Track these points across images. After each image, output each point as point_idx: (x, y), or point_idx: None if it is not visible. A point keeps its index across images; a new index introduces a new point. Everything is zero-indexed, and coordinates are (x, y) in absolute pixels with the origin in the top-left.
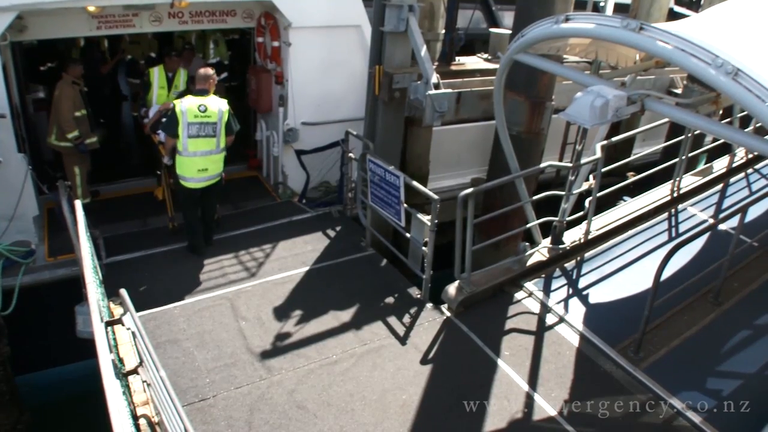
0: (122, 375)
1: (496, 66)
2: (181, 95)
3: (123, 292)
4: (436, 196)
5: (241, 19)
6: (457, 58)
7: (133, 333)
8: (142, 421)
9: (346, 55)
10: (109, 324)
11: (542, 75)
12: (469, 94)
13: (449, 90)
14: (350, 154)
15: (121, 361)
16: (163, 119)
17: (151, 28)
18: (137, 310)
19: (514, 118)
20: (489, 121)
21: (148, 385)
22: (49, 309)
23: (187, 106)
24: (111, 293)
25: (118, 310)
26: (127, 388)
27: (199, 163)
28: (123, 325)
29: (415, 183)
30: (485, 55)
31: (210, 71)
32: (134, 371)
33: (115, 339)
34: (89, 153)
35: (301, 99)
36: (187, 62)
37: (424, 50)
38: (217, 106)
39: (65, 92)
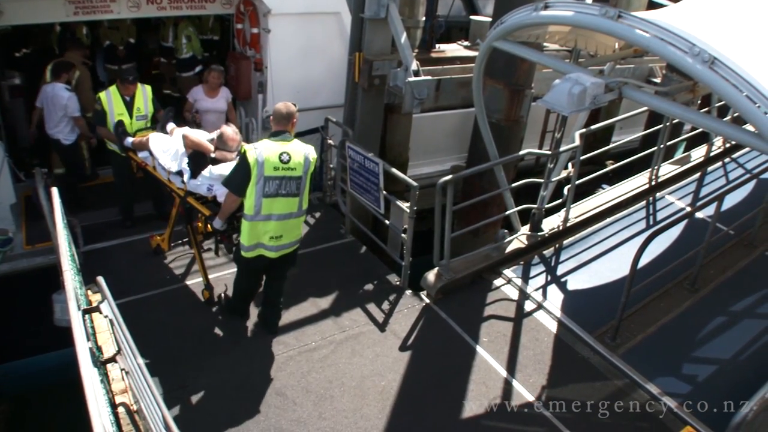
0: (100, 363)
1: (476, 53)
2: (153, 121)
3: (100, 279)
4: (415, 183)
5: (220, 5)
6: (437, 45)
7: (111, 321)
8: (121, 410)
9: (326, 41)
10: (86, 312)
11: (521, 62)
12: (449, 82)
13: (429, 77)
14: (330, 141)
15: (99, 349)
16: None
17: (129, 14)
18: (115, 298)
19: (494, 105)
20: (469, 108)
21: (127, 373)
22: (26, 297)
23: (265, 154)
24: (89, 281)
25: (95, 298)
26: (105, 376)
27: (272, 228)
28: (101, 312)
29: (394, 170)
30: (465, 43)
31: (293, 107)
32: (112, 359)
33: (92, 327)
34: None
35: (280, 86)
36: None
37: (404, 37)
38: (303, 153)
39: (84, 73)
